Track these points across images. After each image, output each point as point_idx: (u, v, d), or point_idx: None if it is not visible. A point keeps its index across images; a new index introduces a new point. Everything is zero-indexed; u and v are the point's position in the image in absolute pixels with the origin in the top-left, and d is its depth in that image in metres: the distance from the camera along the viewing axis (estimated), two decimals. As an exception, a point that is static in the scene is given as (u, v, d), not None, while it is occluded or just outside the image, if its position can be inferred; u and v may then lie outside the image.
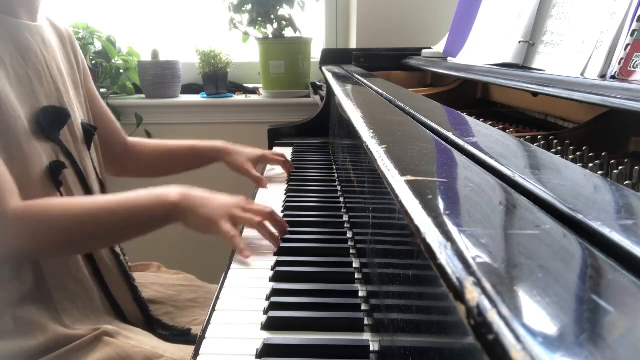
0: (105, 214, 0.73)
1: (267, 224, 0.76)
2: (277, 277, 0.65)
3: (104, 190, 0.91)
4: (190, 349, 0.53)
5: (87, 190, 0.83)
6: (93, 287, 0.80)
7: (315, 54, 1.66)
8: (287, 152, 1.34)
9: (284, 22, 1.66)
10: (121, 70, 1.74)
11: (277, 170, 1.17)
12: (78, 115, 0.87)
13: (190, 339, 0.83)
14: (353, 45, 1.69)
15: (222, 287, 0.65)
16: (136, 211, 0.74)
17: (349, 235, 0.78)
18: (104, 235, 0.76)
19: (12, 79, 0.73)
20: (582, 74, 0.63)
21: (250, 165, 1.07)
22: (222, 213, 0.74)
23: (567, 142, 0.64)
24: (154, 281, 0.96)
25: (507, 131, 0.76)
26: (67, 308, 0.75)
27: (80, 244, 0.75)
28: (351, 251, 0.72)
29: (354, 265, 0.68)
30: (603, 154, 0.58)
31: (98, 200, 0.78)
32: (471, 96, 1.17)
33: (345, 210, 0.89)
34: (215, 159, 1.10)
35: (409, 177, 0.32)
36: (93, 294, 0.80)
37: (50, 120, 0.77)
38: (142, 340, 0.76)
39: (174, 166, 1.12)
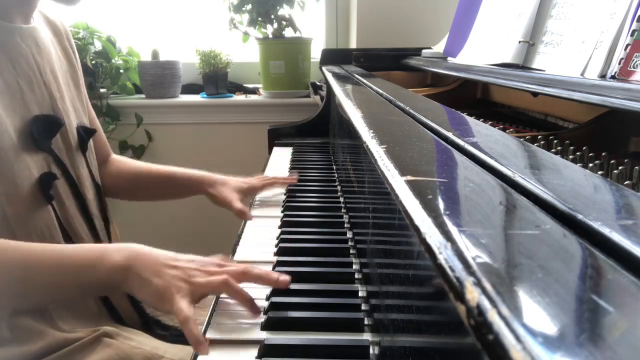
0: (43, 265, 0.62)
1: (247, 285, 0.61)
2: (277, 277, 0.65)
3: (100, 194, 0.89)
4: (190, 349, 0.53)
5: (80, 199, 0.82)
6: (94, 305, 0.79)
7: (315, 54, 1.66)
8: (287, 152, 1.34)
9: (284, 22, 1.66)
10: (121, 70, 1.74)
11: (276, 172, 1.17)
12: (73, 119, 0.84)
13: None
14: (353, 45, 1.69)
15: (222, 287, 0.64)
16: (73, 268, 0.63)
17: (349, 235, 0.78)
18: (36, 290, 0.63)
19: (1, 89, 0.70)
20: (582, 74, 0.63)
21: (235, 196, 0.96)
22: (180, 285, 0.58)
23: (567, 142, 0.64)
24: None
25: (507, 131, 0.76)
26: (63, 315, 0.75)
27: (10, 295, 0.63)
28: (351, 251, 0.72)
29: (354, 265, 0.68)
30: (603, 154, 0.58)
31: (35, 248, 0.64)
32: (471, 96, 1.17)
33: (345, 210, 0.89)
34: (198, 190, 1.00)
35: (409, 177, 0.32)
36: (90, 300, 0.79)
37: (42, 130, 0.73)
38: (142, 340, 0.76)
39: (151, 193, 1.05)
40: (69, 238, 0.78)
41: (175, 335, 0.84)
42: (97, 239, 0.84)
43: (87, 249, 0.66)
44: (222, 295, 0.62)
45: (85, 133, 0.87)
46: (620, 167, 0.53)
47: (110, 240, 0.91)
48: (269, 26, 1.67)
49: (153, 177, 1.02)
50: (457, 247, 0.22)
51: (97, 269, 0.61)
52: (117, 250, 0.63)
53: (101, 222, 0.88)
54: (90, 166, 0.88)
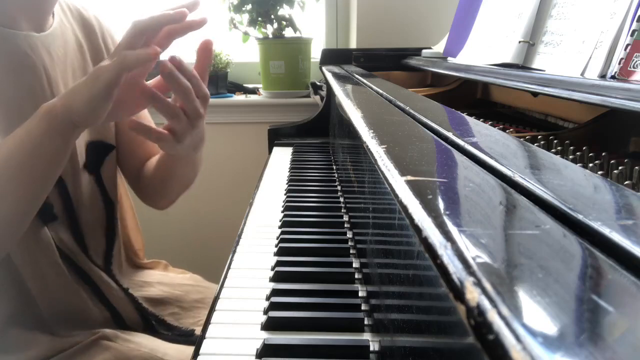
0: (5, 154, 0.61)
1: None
2: (277, 277, 0.65)
3: (111, 211, 0.85)
4: (190, 350, 0.53)
5: (73, 220, 0.77)
6: (92, 307, 0.78)
7: (315, 54, 1.66)
8: (287, 152, 1.34)
9: (284, 22, 1.66)
10: (121, 70, 1.74)
11: (276, 172, 1.17)
12: (83, 136, 0.77)
13: (194, 339, 0.82)
14: (353, 45, 1.69)
15: (222, 287, 0.64)
16: (25, 138, 0.62)
17: (349, 235, 0.78)
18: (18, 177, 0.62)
19: None
20: (582, 74, 0.63)
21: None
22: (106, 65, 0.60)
23: (567, 142, 0.64)
24: (160, 280, 0.94)
25: (507, 131, 0.76)
26: (61, 321, 0.73)
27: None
28: (351, 251, 0.72)
29: (354, 265, 0.68)
30: (603, 154, 0.58)
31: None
32: (471, 96, 1.17)
33: (345, 210, 0.89)
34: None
35: (409, 177, 0.32)
36: (90, 310, 0.77)
37: None
38: (141, 342, 0.75)
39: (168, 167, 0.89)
40: (66, 258, 0.76)
41: (178, 335, 0.84)
42: (89, 258, 0.80)
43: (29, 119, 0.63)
44: (222, 295, 0.62)
45: (101, 149, 0.80)
46: (620, 167, 0.53)
47: (111, 261, 0.85)
48: (269, 26, 1.67)
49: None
50: (457, 247, 0.22)
51: (39, 121, 0.61)
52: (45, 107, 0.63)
53: (101, 239, 0.84)
54: (105, 183, 0.82)
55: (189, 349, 0.75)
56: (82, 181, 0.78)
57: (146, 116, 0.88)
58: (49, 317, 0.73)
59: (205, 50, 0.73)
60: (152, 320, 0.85)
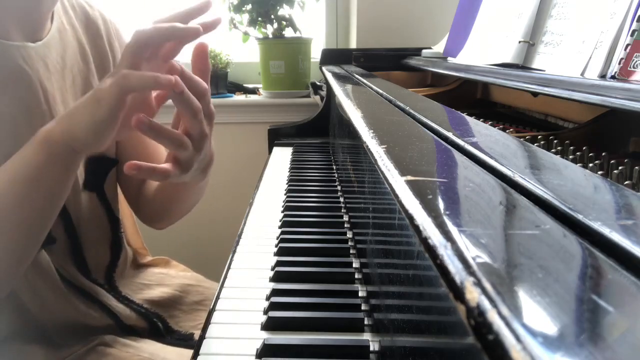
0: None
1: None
2: (277, 277, 0.65)
3: (117, 227, 0.82)
4: (189, 353, 0.53)
5: (74, 240, 0.75)
6: (94, 316, 0.76)
7: (315, 54, 1.66)
8: (287, 152, 1.34)
9: (284, 22, 1.66)
10: (121, 70, 1.73)
11: (276, 172, 1.17)
12: None
13: (193, 343, 0.81)
14: (353, 45, 1.69)
15: (222, 287, 0.64)
16: (22, 169, 0.56)
17: (349, 235, 0.78)
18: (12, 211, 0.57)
19: None
20: (582, 74, 0.63)
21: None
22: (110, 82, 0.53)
23: (567, 142, 0.64)
24: (160, 281, 0.92)
25: (507, 131, 0.76)
26: (62, 332, 0.73)
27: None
28: (351, 251, 0.72)
29: (354, 265, 0.68)
30: (603, 154, 0.58)
31: None
32: (471, 96, 1.17)
33: (345, 210, 0.89)
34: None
35: (409, 177, 0.32)
36: (91, 319, 0.76)
37: None
38: (140, 347, 0.74)
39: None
40: (65, 279, 0.74)
41: (177, 339, 0.83)
42: (89, 278, 0.78)
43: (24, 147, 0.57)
44: (222, 295, 0.62)
45: (103, 165, 0.76)
46: (620, 167, 0.53)
47: (115, 270, 0.84)
48: (269, 26, 1.67)
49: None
50: (457, 247, 0.22)
51: (38, 149, 0.55)
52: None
53: (105, 255, 0.83)
54: (109, 199, 0.79)
55: (189, 352, 0.74)
56: (82, 201, 0.74)
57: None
58: (50, 329, 0.72)
59: (201, 55, 0.61)
60: (156, 321, 0.83)
